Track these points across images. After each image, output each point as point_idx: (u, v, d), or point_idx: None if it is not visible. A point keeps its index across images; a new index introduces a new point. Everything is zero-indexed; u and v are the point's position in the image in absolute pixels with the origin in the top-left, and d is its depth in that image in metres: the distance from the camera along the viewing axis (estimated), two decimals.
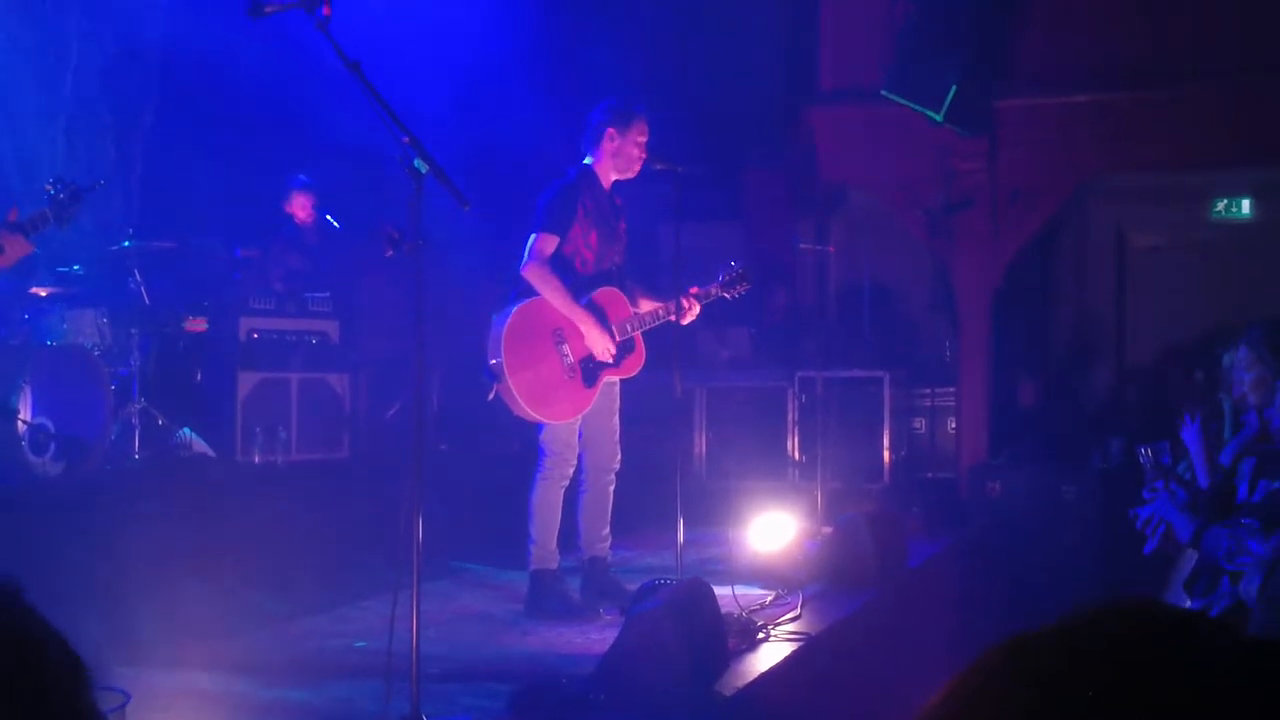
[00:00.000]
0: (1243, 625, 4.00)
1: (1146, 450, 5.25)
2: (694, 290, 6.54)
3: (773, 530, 7.12)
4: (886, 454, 10.41)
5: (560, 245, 6.24)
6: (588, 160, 6.42)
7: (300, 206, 9.62)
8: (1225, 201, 12.41)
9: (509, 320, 6.14)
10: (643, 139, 6.36)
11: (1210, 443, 5.34)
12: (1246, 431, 5.15)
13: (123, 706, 3.16)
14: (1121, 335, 12.73)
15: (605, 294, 6.37)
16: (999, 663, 0.88)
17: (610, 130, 6.36)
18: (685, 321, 6.54)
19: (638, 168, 6.37)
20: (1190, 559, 5.11)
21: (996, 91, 10.55)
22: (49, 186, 6.40)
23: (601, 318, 6.30)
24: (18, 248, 6.24)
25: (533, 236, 6.23)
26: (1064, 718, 0.82)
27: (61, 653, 1.02)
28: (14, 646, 0.99)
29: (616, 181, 6.46)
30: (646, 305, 6.53)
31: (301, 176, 9.70)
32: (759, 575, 6.92)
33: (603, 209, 6.39)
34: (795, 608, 6.29)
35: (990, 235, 10.71)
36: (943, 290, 10.99)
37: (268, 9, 4.36)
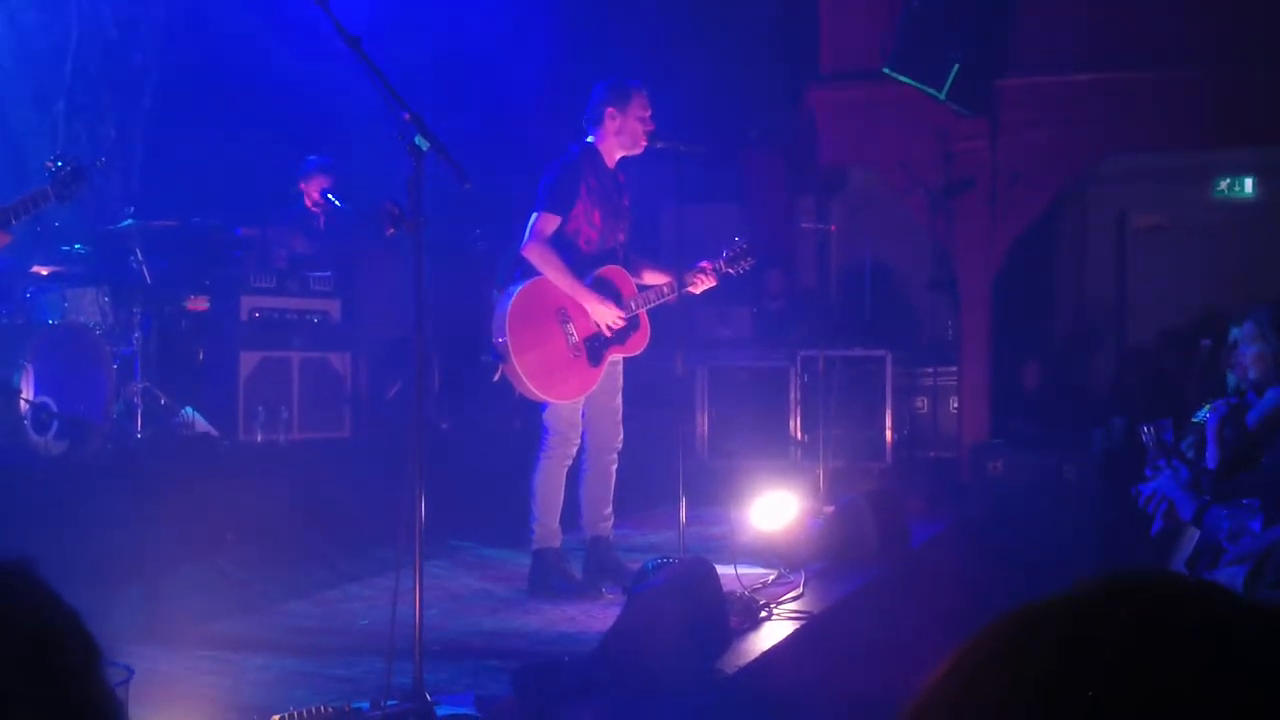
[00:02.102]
0: None
1: (1149, 428, 5.24)
2: (704, 264, 6.54)
3: (775, 509, 7.12)
4: (888, 433, 10.42)
5: (563, 224, 6.23)
6: (590, 138, 6.40)
7: (318, 187, 9.55)
8: (1228, 180, 12.40)
9: (513, 300, 6.13)
10: (645, 112, 6.34)
11: (1225, 424, 5.32)
12: (1260, 407, 5.13)
13: (126, 682, 3.17)
14: (1123, 314, 12.73)
15: (610, 271, 6.37)
16: (1004, 634, 0.88)
17: (610, 109, 6.35)
18: (699, 290, 6.54)
19: (644, 142, 6.35)
20: (1192, 537, 5.11)
21: (997, 71, 10.52)
22: (50, 163, 6.38)
23: (606, 292, 6.29)
24: None
25: (534, 216, 6.22)
26: (1074, 688, 0.82)
27: (76, 631, 1.02)
28: (29, 625, 0.99)
29: (621, 158, 6.45)
30: (652, 278, 6.53)
31: (316, 157, 9.63)
32: (761, 554, 6.93)
33: (606, 186, 6.38)
34: (797, 586, 6.31)
35: (991, 215, 10.69)
36: (944, 269, 10.97)
37: None
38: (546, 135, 7.91)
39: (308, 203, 9.56)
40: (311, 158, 9.62)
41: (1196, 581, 0.89)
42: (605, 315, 6.25)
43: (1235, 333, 5.38)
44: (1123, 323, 12.76)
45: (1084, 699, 0.81)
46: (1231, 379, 5.55)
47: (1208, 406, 5.42)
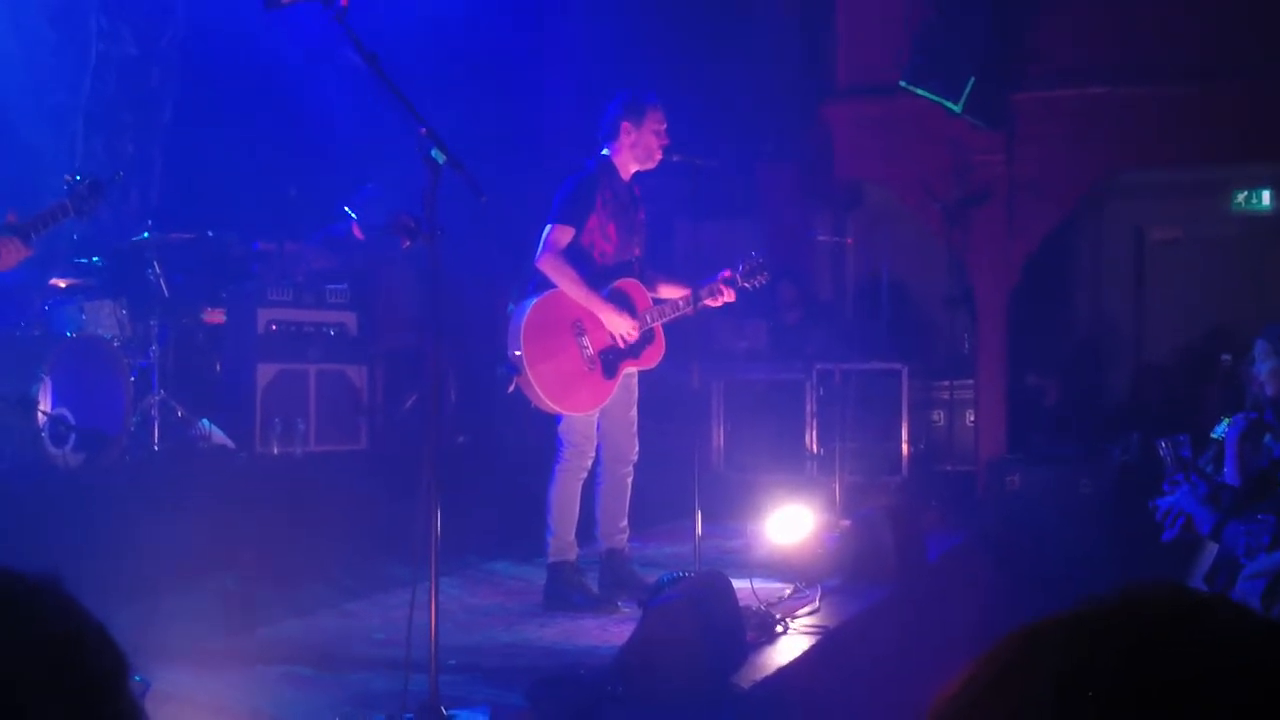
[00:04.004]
0: None
1: (1166, 443, 5.22)
2: (725, 275, 6.54)
3: (791, 523, 7.11)
4: (905, 447, 10.39)
5: (577, 237, 6.23)
6: (605, 152, 6.41)
7: (366, 214, 9.59)
8: (1245, 194, 12.36)
9: (528, 312, 6.13)
10: (660, 127, 6.34)
11: (1245, 439, 5.29)
12: None
13: (143, 694, 3.17)
14: (1140, 328, 12.69)
15: (625, 284, 6.37)
16: (1018, 647, 0.89)
17: (625, 124, 6.35)
18: (718, 304, 6.55)
19: (659, 156, 6.35)
20: (1210, 552, 5.09)
21: (1014, 85, 10.51)
22: (68, 178, 6.41)
23: (621, 303, 6.29)
24: (15, 251, 6.22)
25: (547, 228, 6.23)
26: (1081, 694, 0.82)
27: (104, 643, 1.03)
28: (59, 635, 1.00)
29: (637, 172, 6.45)
30: (668, 292, 6.53)
31: (373, 185, 9.65)
32: (777, 568, 6.92)
33: (621, 200, 6.38)
34: (814, 601, 6.29)
35: (1008, 229, 10.67)
36: (960, 283, 10.95)
37: (285, 1, 4.36)
38: (564, 149, 7.92)
39: (354, 228, 9.59)
40: (367, 186, 9.66)
41: (1206, 594, 0.90)
42: (620, 325, 6.25)
43: (1253, 350, 5.38)
44: (1140, 336, 12.72)
45: (1091, 706, 0.81)
46: (1248, 396, 5.54)
47: (1226, 421, 5.40)
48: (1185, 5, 10.22)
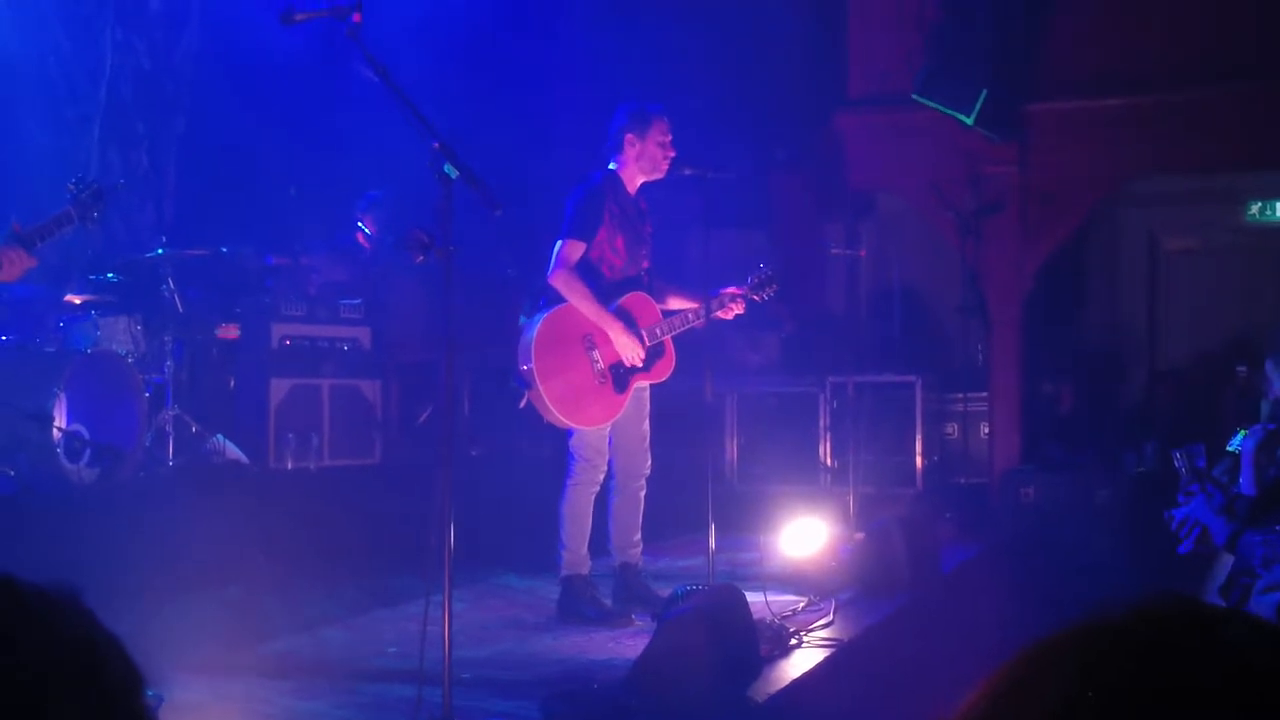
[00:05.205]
0: None
1: (1181, 453, 5.20)
2: (732, 290, 6.52)
3: (805, 536, 7.10)
4: (919, 459, 10.37)
5: (587, 251, 6.23)
6: (612, 165, 6.41)
7: (373, 221, 9.69)
8: (1259, 204, 12.34)
9: (539, 327, 6.13)
10: (665, 138, 6.33)
11: (1262, 450, 5.27)
12: None
13: (157, 709, 3.17)
14: (1154, 338, 12.67)
15: (633, 299, 6.36)
16: (1027, 662, 0.88)
17: (630, 136, 6.34)
18: (730, 316, 6.53)
19: (665, 167, 6.34)
20: (1226, 564, 5.06)
21: (1027, 95, 10.51)
22: (71, 186, 6.44)
23: (629, 323, 6.28)
24: (20, 261, 6.23)
25: (559, 243, 6.22)
26: (1102, 711, 0.82)
27: (120, 656, 1.03)
28: (77, 647, 1.00)
29: (644, 184, 6.45)
30: (678, 303, 6.52)
31: (377, 192, 9.73)
32: (791, 581, 6.90)
33: (628, 213, 6.37)
34: (828, 614, 6.27)
35: (1021, 238, 10.66)
36: (974, 293, 10.94)
37: (299, 16, 4.37)
38: (574, 161, 7.92)
39: (359, 237, 9.65)
40: (372, 192, 9.71)
41: (1221, 608, 0.89)
42: (627, 348, 6.23)
43: (1269, 362, 5.36)
44: (1154, 345, 12.69)
45: (1098, 717, 0.81)
46: (1265, 405, 5.52)
47: (1243, 434, 5.38)
48: (1198, 13, 10.21)
